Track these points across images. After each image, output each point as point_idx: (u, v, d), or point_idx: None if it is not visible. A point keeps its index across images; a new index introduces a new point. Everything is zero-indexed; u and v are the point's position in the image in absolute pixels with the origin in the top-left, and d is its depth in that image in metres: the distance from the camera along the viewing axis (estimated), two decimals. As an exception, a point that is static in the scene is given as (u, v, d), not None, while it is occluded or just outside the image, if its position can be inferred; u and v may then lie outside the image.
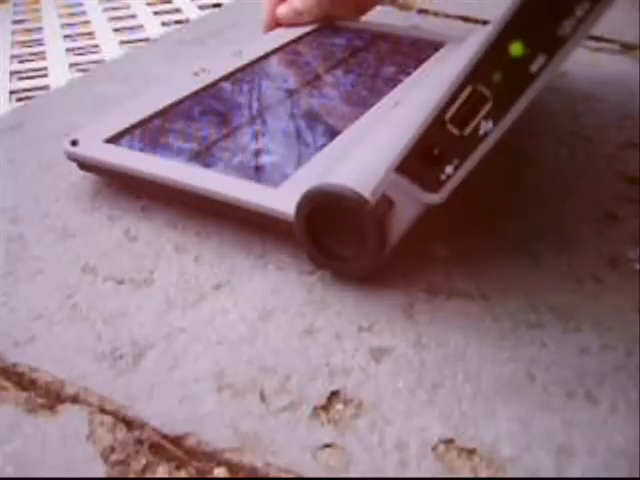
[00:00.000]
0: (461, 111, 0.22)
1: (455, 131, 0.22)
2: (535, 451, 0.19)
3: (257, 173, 0.28)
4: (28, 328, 0.23)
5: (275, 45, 0.41)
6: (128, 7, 1.74)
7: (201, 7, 1.72)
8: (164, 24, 1.62)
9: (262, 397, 0.21)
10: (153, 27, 1.60)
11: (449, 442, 0.20)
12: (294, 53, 0.40)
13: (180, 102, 0.33)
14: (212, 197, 0.26)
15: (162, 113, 0.32)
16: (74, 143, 0.29)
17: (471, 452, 0.19)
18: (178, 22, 1.61)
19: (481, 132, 0.22)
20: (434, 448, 0.19)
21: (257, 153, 0.29)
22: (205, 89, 0.35)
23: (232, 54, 0.39)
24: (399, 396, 0.21)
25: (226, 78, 0.36)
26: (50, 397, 0.21)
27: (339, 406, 0.21)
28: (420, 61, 0.39)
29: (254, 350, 0.22)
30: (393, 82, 0.36)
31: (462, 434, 0.20)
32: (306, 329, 0.23)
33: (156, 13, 1.70)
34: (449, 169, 0.22)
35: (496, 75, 0.21)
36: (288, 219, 0.25)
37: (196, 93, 0.34)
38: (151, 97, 0.34)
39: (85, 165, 0.29)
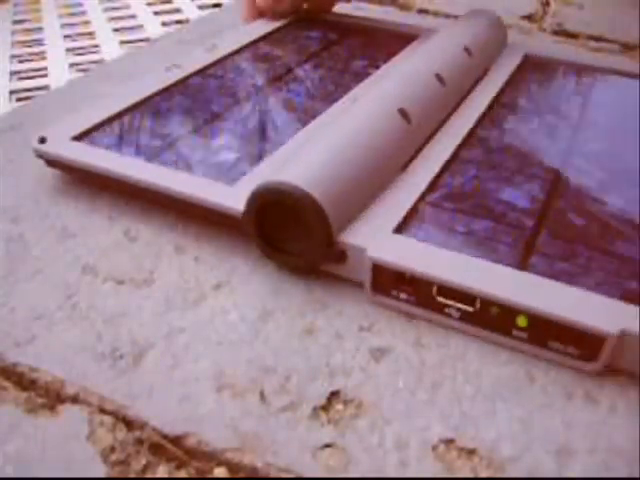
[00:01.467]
0: (464, 296, 0.22)
1: (438, 297, 0.23)
2: (535, 451, 0.19)
3: (216, 170, 0.28)
4: (28, 328, 0.23)
5: (249, 39, 0.40)
6: (128, 7, 1.74)
7: (201, 7, 1.72)
8: (164, 24, 1.62)
9: (262, 397, 0.21)
10: (153, 27, 1.60)
11: (449, 442, 0.20)
12: (267, 47, 0.40)
13: (149, 98, 0.33)
14: (172, 195, 0.26)
15: (130, 110, 0.32)
16: (42, 140, 0.29)
17: (471, 452, 0.19)
18: (178, 22, 1.61)
19: (447, 311, 0.23)
20: (434, 448, 0.19)
21: (219, 150, 0.29)
22: (175, 85, 0.35)
23: (206, 49, 0.39)
24: (399, 396, 0.21)
25: (197, 74, 0.36)
26: (50, 397, 0.21)
27: (339, 406, 0.21)
28: (391, 55, 0.38)
29: (254, 350, 0.22)
30: (360, 77, 0.36)
31: (462, 434, 0.20)
32: (306, 329, 0.23)
33: (156, 13, 1.71)
34: (403, 295, 0.23)
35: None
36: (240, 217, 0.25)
37: (166, 89, 0.34)
38: (121, 94, 0.33)
39: (52, 162, 0.29)
